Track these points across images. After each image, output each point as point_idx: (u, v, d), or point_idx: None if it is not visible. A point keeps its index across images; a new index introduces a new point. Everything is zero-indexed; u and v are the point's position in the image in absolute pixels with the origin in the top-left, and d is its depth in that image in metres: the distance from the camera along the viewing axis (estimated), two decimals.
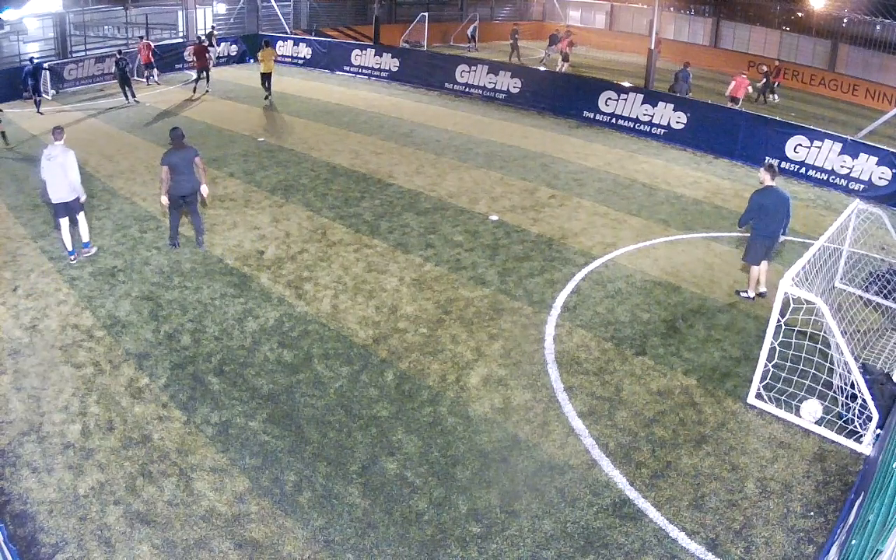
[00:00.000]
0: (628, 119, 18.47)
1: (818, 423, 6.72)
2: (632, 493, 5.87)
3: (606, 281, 9.72)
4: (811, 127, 15.57)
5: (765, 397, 7.04)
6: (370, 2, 32.52)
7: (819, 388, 6.98)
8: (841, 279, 9.62)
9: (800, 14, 32.26)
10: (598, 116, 19.09)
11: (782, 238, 9.30)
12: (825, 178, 14.82)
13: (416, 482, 5.93)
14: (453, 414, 6.81)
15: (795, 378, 7.12)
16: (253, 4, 30.97)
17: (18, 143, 15.78)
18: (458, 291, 9.27)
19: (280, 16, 30.50)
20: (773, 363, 7.08)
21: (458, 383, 7.30)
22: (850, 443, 6.50)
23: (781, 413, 6.88)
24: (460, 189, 13.35)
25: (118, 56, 20.40)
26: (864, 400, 6.41)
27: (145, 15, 26.77)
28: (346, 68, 25.91)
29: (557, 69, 26.65)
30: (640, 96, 18.36)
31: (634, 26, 39.83)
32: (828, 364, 7.08)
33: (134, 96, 20.31)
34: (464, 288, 9.38)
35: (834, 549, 4.94)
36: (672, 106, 17.72)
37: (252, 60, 26.35)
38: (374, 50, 25.60)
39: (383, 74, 24.87)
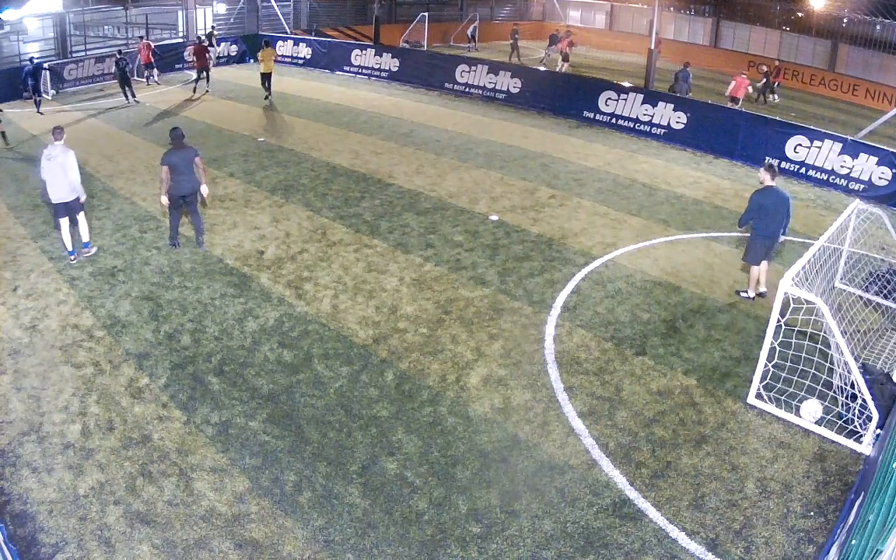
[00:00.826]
0: (628, 119, 18.47)
1: (818, 423, 6.72)
2: (632, 493, 5.87)
3: (606, 281, 9.72)
4: (811, 127, 15.57)
5: (765, 397, 7.04)
6: (370, 2, 32.52)
7: (819, 388, 6.98)
8: (841, 279, 9.62)
9: (800, 14, 32.27)
10: (598, 116, 19.09)
11: (782, 238, 9.30)
12: (825, 178, 14.82)
13: (416, 482, 5.93)
14: (453, 414, 6.81)
15: (795, 378, 7.12)
16: (253, 4, 30.97)
17: (18, 143, 15.78)
18: (458, 291, 9.28)
19: (280, 16, 30.51)
20: (773, 363, 7.08)
21: (458, 383, 7.30)
22: (850, 443, 6.50)
23: (781, 413, 6.88)
24: (460, 189, 13.35)
25: (118, 56, 20.40)
26: (864, 400, 6.40)
27: (145, 15, 26.78)
28: (346, 68, 25.91)
29: (557, 69, 26.65)
30: (640, 96, 18.36)
31: (634, 26, 39.83)
32: (828, 364, 7.08)
33: (134, 96, 20.32)
34: (464, 288, 9.38)
35: (834, 549, 4.95)
36: (672, 106, 17.72)
37: (252, 60, 26.35)
38: (374, 50, 25.60)
39: (383, 74, 24.88)
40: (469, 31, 35.19)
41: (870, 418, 6.43)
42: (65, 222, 9.66)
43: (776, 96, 25.05)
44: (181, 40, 27.23)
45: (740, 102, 20.56)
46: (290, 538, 5.34)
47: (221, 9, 30.28)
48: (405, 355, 7.78)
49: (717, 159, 16.37)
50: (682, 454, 6.36)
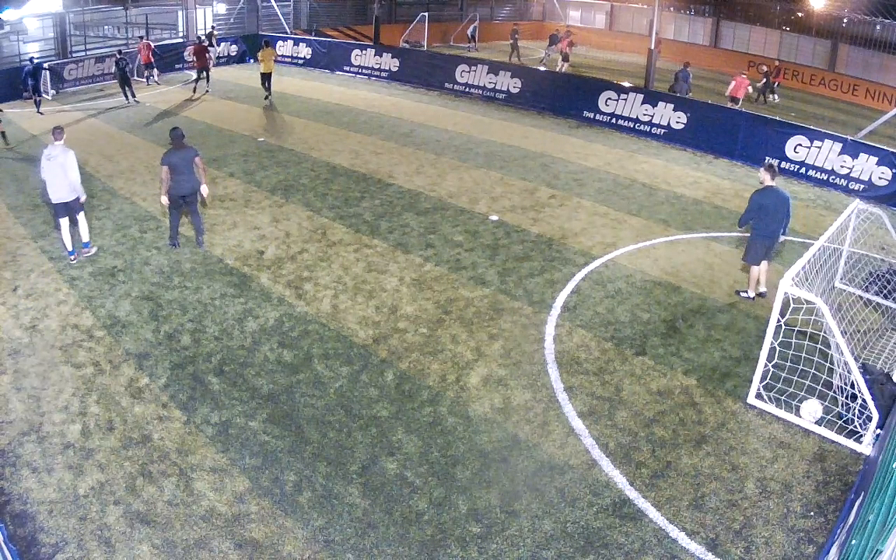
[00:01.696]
0: (628, 119, 18.47)
1: (818, 423, 6.72)
2: (632, 493, 5.87)
3: (606, 281, 9.72)
4: (811, 127, 15.57)
5: (765, 397, 7.04)
6: (370, 2, 32.52)
7: (819, 388, 6.98)
8: (841, 279, 9.62)
9: (800, 14, 32.27)
10: (598, 116, 19.09)
11: (782, 238, 9.29)
12: (825, 178, 14.82)
13: (416, 482, 5.93)
14: (453, 414, 6.81)
15: (795, 378, 7.12)
16: (253, 4, 30.97)
17: (18, 143, 15.78)
18: (458, 291, 9.28)
19: (280, 16, 30.51)
20: (773, 363, 7.08)
21: (458, 383, 7.30)
22: (850, 443, 6.50)
23: (781, 413, 6.88)
24: (460, 189, 13.35)
25: (118, 56, 20.40)
26: (864, 400, 6.41)
27: (145, 15, 26.78)
28: (346, 68, 25.91)
29: (557, 69, 26.65)
30: (640, 96, 18.36)
31: (634, 26, 39.84)
32: (828, 364, 7.08)
33: (134, 96, 20.31)
34: (464, 288, 9.38)
35: (834, 549, 4.94)
36: (672, 106, 17.72)
37: (252, 60, 26.35)
38: (374, 50, 25.60)
39: (383, 74, 24.87)
40: (469, 31, 35.21)
41: (870, 418, 6.43)
42: (65, 222, 9.66)
43: (776, 96, 25.05)
44: (181, 40, 27.23)
45: (740, 102, 20.56)
46: (290, 538, 5.34)
47: (221, 9, 30.28)
48: (405, 355, 7.78)
49: (717, 159, 16.37)
50: (682, 454, 6.36)
